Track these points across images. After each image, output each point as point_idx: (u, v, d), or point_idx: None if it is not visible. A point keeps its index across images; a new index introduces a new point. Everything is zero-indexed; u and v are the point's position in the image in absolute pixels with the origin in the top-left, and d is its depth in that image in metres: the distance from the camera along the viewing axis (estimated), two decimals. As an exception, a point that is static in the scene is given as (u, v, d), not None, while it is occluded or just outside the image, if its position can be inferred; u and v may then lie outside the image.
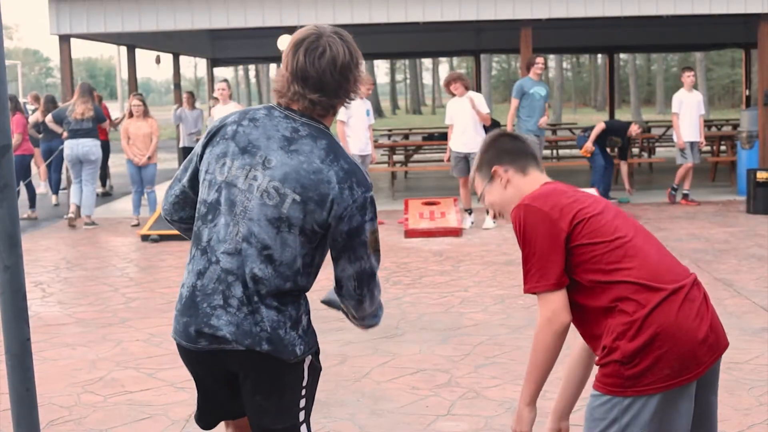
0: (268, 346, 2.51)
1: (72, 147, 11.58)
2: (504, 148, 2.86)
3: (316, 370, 2.66)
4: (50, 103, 13.82)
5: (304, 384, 2.62)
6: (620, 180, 13.11)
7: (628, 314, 2.56)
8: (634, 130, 12.62)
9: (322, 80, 2.52)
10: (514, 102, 11.57)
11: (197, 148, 2.70)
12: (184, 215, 2.75)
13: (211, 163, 2.61)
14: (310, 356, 2.62)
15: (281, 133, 2.55)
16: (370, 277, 2.58)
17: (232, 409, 2.77)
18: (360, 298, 2.59)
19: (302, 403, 2.63)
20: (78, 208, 11.74)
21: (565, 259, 2.63)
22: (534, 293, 2.66)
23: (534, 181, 2.81)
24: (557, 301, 2.62)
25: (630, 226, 2.73)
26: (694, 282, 2.68)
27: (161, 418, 4.70)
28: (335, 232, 2.54)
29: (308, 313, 2.63)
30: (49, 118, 12.02)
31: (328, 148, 2.54)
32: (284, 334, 2.52)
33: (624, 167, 12.87)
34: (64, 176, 14.02)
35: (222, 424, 2.89)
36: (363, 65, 2.64)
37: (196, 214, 2.64)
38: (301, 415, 2.64)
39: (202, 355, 2.59)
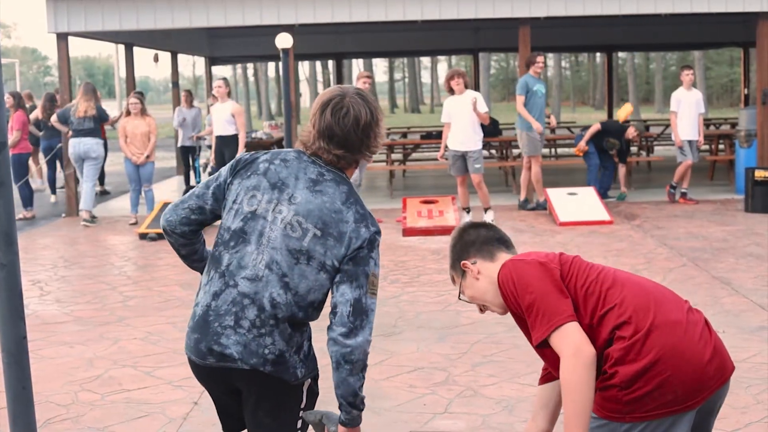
0: (271, 367, 2.63)
1: (74, 145, 11.64)
2: (468, 241, 2.83)
3: (314, 394, 2.79)
4: (49, 102, 13.81)
5: (302, 406, 2.75)
6: (617, 179, 13.11)
7: (625, 339, 2.50)
8: (631, 133, 12.55)
9: (347, 138, 2.74)
10: (521, 98, 11.57)
11: (223, 173, 2.82)
12: (187, 230, 2.84)
13: (240, 194, 2.75)
14: (309, 380, 2.74)
15: (308, 175, 2.75)
16: (364, 313, 2.65)
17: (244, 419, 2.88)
18: (351, 327, 2.62)
19: (299, 423, 2.76)
20: (87, 212, 11.76)
21: (569, 296, 2.56)
22: (547, 336, 2.51)
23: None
24: (575, 333, 2.49)
25: (609, 267, 2.74)
26: (691, 307, 2.66)
27: (159, 416, 4.70)
28: (347, 260, 2.67)
29: (310, 339, 2.77)
30: (54, 118, 12.04)
31: (348, 193, 2.75)
32: (288, 357, 2.66)
33: (622, 170, 12.85)
34: (60, 175, 14.02)
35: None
36: (383, 122, 2.84)
37: (218, 239, 2.75)
38: None
39: (211, 370, 2.70)
